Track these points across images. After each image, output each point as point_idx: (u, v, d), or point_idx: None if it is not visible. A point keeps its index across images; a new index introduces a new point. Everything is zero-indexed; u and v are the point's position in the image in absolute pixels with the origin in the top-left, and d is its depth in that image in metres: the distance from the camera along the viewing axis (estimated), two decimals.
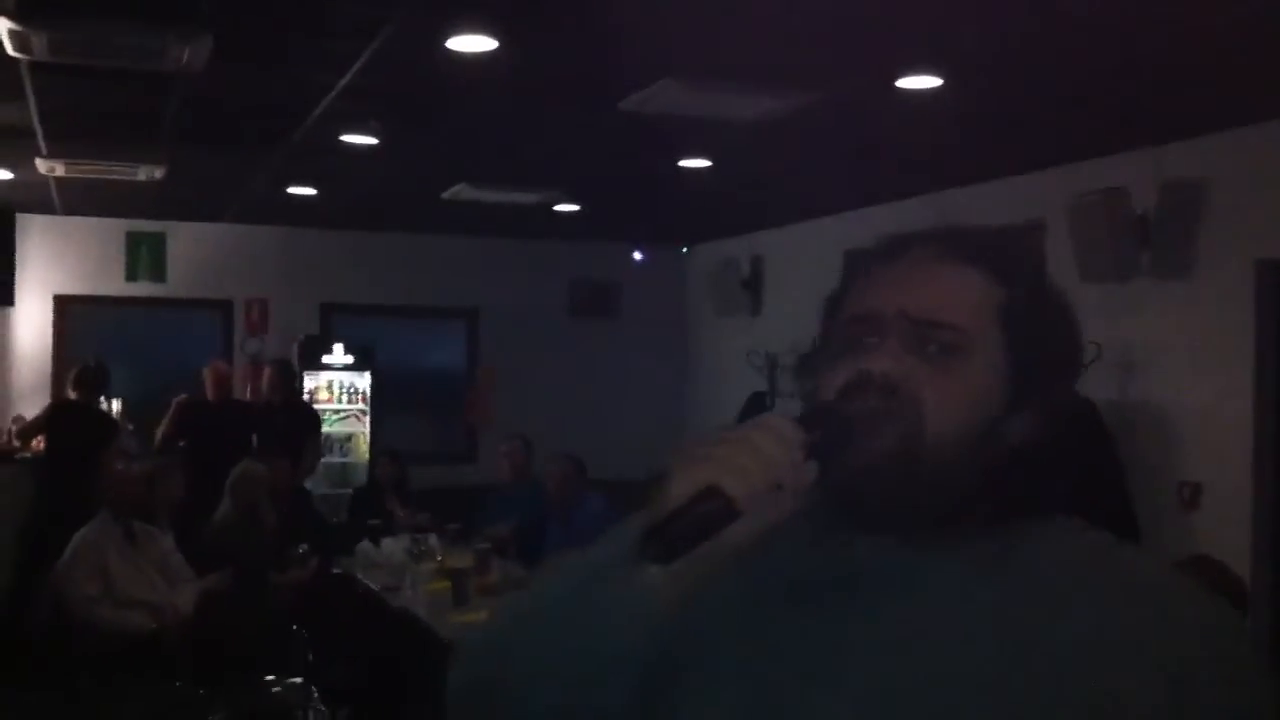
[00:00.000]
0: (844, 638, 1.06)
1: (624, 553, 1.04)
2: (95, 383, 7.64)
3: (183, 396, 7.88)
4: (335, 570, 6.06)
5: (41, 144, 6.38)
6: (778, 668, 1.07)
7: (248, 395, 8.94)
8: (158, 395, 8.21)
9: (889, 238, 1.19)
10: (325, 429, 8.88)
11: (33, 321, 8.89)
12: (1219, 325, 5.55)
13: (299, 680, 4.60)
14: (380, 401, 9.38)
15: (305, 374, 9.09)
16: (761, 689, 1.07)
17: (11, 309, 8.78)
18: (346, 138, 6.06)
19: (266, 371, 8.36)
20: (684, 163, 6.64)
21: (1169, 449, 5.71)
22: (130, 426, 8.15)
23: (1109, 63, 4.63)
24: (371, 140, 6.10)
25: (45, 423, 7.61)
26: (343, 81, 5.02)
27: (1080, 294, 5.58)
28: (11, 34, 4.28)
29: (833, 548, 1.10)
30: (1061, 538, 1.11)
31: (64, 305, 9.00)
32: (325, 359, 9.23)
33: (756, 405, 8.39)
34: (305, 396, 8.90)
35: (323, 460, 8.74)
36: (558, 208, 8.29)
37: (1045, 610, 1.03)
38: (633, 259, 10.20)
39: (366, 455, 9.15)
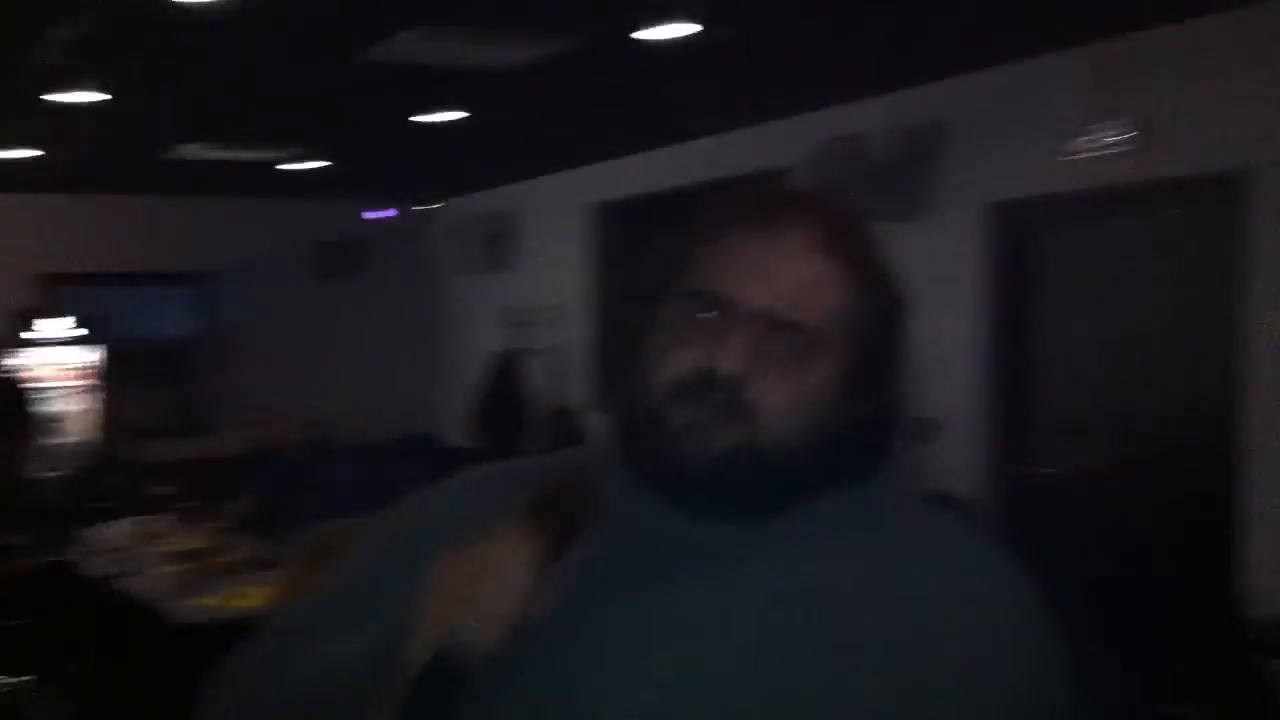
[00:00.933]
0: (656, 623, 1.01)
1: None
2: None
3: None
4: (58, 558, 5.62)
5: None
6: (584, 660, 1.00)
7: None
8: None
9: (743, 200, 1.10)
10: (50, 407, 8.25)
11: None
12: (953, 267, 5.74)
13: (27, 678, 4.25)
14: (111, 375, 8.79)
15: (25, 349, 8.43)
16: (565, 684, 1.00)
17: None
18: (68, 95, 5.55)
19: None
20: (430, 116, 6.42)
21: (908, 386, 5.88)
22: None
23: (846, 9, 4.68)
24: (97, 96, 5.60)
25: None
26: (62, 32, 4.59)
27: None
28: None
29: (644, 535, 1.05)
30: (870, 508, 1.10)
31: None
32: (47, 333, 8.58)
33: (510, 363, 8.28)
34: (23, 373, 8.26)
35: (46, 441, 8.11)
36: (301, 165, 7.92)
37: (871, 579, 1.04)
38: (380, 217, 9.88)
39: (95, 433, 8.57)
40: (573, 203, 8.27)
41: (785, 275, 1.03)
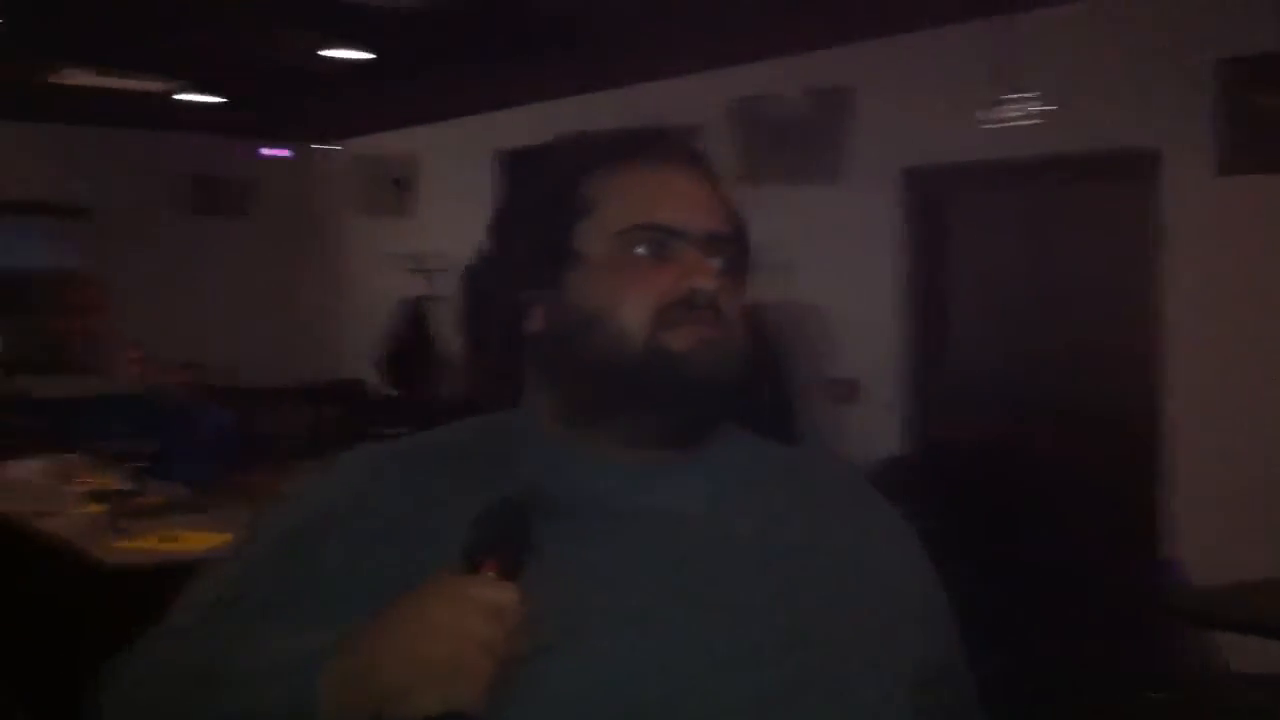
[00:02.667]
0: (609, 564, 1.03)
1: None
2: None
3: None
4: None
5: None
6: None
7: None
8: None
9: (619, 139, 1.14)
10: None
11: None
12: (868, 229, 5.78)
13: None
14: None
15: None
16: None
17: None
18: None
19: None
20: (329, 52, 6.21)
21: (821, 347, 5.94)
22: None
23: None
24: None
25: None
26: None
27: (739, 195, 5.73)
28: None
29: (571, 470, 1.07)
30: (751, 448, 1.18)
31: None
32: None
33: (417, 310, 8.13)
34: None
35: None
36: (182, 97, 7.60)
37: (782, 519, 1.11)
38: (268, 155, 9.56)
39: None
40: (477, 150, 8.12)
41: (706, 198, 1.11)
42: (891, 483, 3.40)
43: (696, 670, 0.99)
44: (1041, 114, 5.06)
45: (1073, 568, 4.89)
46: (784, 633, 1.02)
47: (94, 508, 4.67)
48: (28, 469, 5.75)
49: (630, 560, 1.03)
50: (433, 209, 8.58)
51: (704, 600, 1.02)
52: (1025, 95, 5.10)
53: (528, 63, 6.54)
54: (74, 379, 8.56)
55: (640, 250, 1.07)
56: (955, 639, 1.18)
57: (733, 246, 1.11)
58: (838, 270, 5.88)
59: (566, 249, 1.08)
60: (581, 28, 5.63)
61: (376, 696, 0.86)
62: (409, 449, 1.13)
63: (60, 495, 5.03)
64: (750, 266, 1.14)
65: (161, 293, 8.82)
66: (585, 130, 1.18)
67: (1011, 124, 5.13)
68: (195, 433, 5.75)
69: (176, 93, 7.45)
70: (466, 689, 0.85)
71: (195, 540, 4.07)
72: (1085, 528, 5.00)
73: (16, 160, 8.61)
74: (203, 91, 7.50)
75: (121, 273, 8.89)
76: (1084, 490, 5.06)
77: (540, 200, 1.13)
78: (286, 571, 1.04)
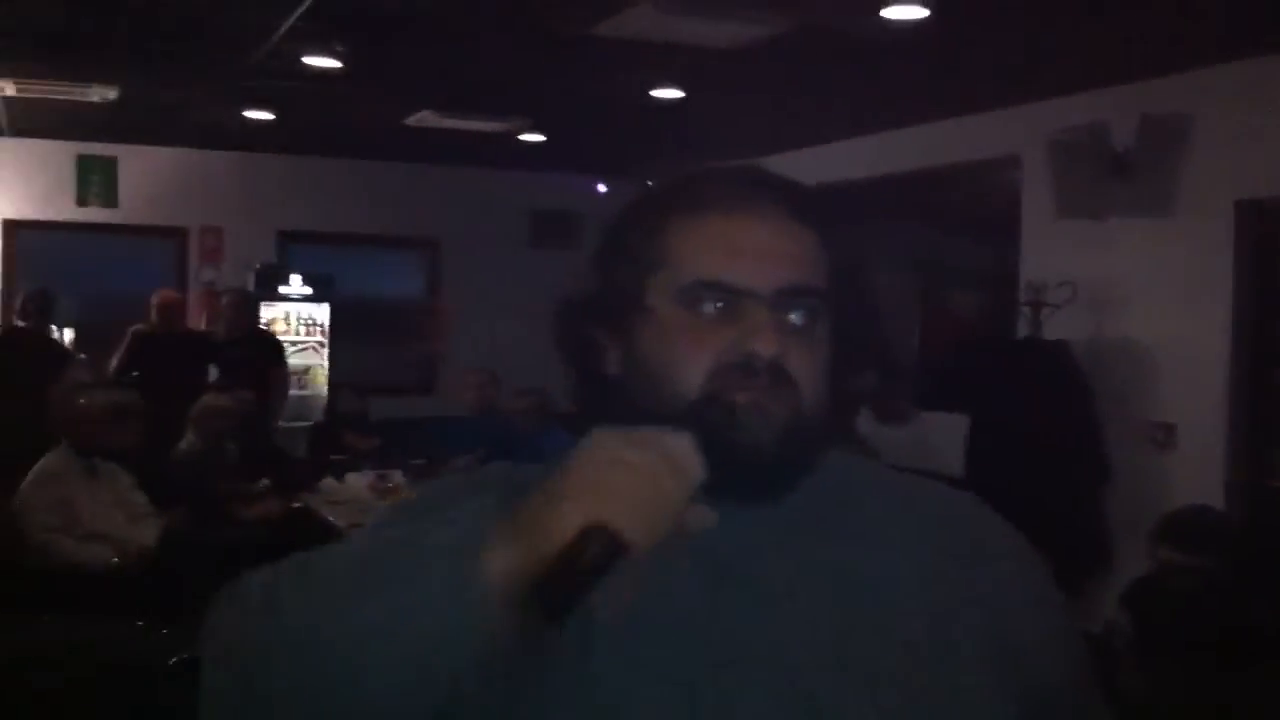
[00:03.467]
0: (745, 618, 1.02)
1: (465, 538, 0.90)
2: (42, 309, 7.39)
3: (138, 326, 7.68)
4: (296, 505, 5.93)
5: None
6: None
7: (203, 325, 8.74)
8: (110, 324, 8.00)
9: (705, 184, 1.10)
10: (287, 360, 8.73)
11: None
12: (1196, 265, 5.50)
13: None
14: (338, 333, 9.20)
15: (262, 304, 8.90)
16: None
17: None
18: (307, 60, 5.85)
19: (225, 301, 8.17)
20: (655, 92, 6.48)
21: (1144, 389, 5.69)
22: (83, 356, 7.93)
23: None
24: (332, 63, 5.89)
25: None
26: (304, 1, 4.83)
27: (1056, 230, 5.59)
28: None
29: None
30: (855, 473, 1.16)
31: (13, 230, 8.72)
32: (282, 289, 9.03)
33: None
34: (263, 327, 8.72)
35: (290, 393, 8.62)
36: (522, 137, 8.10)
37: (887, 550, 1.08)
38: (596, 190, 10.02)
39: (325, 388, 8.99)
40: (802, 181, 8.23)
41: (780, 249, 1.05)
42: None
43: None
44: None
45: None
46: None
47: None
48: (353, 482, 6.22)
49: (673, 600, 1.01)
50: None
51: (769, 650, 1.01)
52: None
53: (839, 97, 6.60)
54: (421, 401, 9.26)
55: (703, 308, 1.04)
56: (1079, 667, 1.14)
57: (814, 299, 1.05)
58: (1164, 308, 5.61)
59: (638, 300, 1.07)
60: (891, 66, 5.65)
61: (547, 531, 0.86)
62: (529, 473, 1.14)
63: (379, 509, 5.44)
64: (855, 316, 1.11)
65: (501, 320, 9.34)
66: (681, 175, 1.14)
67: None
68: (539, 453, 6.05)
69: (517, 133, 7.94)
70: (638, 522, 0.86)
71: None
72: None
73: (374, 196, 9.41)
74: (538, 131, 7.95)
75: (467, 301, 9.52)
76: None
77: (620, 247, 1.11)
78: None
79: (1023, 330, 6.06)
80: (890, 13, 4.72)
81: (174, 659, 3.73)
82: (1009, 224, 6.55)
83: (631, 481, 0.88)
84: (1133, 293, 5.74)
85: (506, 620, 0.87)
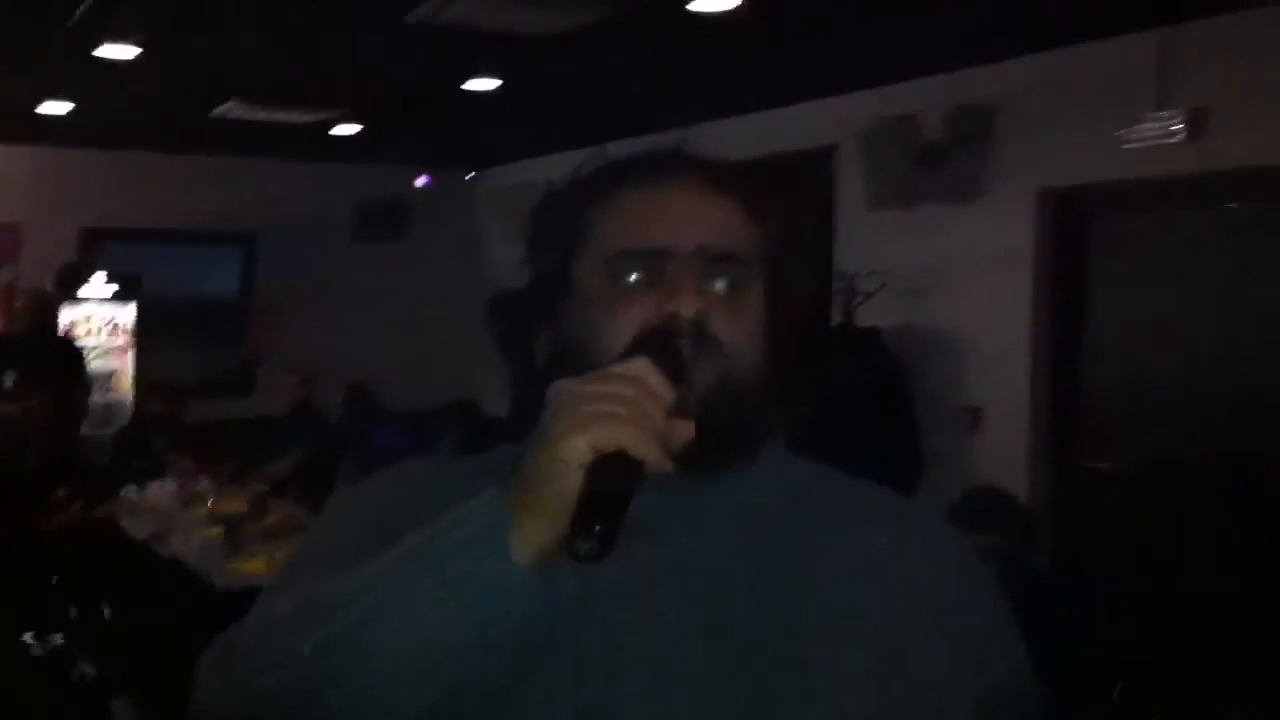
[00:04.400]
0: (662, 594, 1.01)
1: (478, 534, 0.89)
2: None
3: None
4: (97, 515, 5.66)
5: None
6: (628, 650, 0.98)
7: None
8: None
9: (620, 162, 1.12)
10: (92, 365, 8.36)
11: None
12: (1000, 252, 5.66)
13: (60, 637, 4.26)
14: (147, 334, 8.81)
15: (64, 305, 8.48)
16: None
17: None
18: (104, 50, 5.56)
19: (20, 303, 7.75)
20: (472, 84, 6.37)
21: (952, 374, 5.84)
22: None
23: None
24: (132, 52, 5.61)
25: None
26: None
27: (869, 220, 5.67)
28: None
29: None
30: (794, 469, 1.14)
31: None
32: (83, 290, 8.61)
33: None
34: (62, 330, 8.32)
35: (90, 399, 8.23)
36: (338, 129, 7.90)
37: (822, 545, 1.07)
38: (418, 183, 9.85)
39: (130, 392, 8.60)
40: None
41: (698, 214, 1.06)
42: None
43: (687, 700, 0.97)
44: (1181, 132, 4.88)
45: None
46: (795, 666, 0.99)
47: (211, 531, 4.86)
48: (158, 491, 5.99)
49: (634, 582, 1.00)
50: None
51: (706, 627, 1.00)
52: (1165, 113, 4.95)
53: (653, 88, 6.59)
54: (239, 401, 8.95)
55: (627, 276, 1.04)
56: (1020, 660, 1.14)
57: (739, 265, 1.05)
58: (971, 294, 5.77)
59: (564, 279, 1.07)
60: (708, 57, 5.67)
61: (558, 481, 0.86)
62: (443, 465, 1.16)
63: (184, 518, 5.24)
64: (786, 283, 1.10)
65: (320, 316, 9.11)
66: (595, 156, 1.14)
67: (1151, 143, 4.98)
68: (364, 453, 5.90)
69: (331, 123, 7.73)
70: (637, 440, 0.86)
71: None
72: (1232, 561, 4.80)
73: (184, 190, 9.04)
74: (355, 121, 7.76)
75: (283, 297, 9.23)
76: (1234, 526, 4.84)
77: (542, 231, 1.12)
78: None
79: (836, 319, 6.15)
80: (699, 5, 4.72)
81: None
82: (824, 214, 6.64)
83: (612, 407, 0.87)
84: (941, 280, 5.88)
85: (545, 594, 0.88)
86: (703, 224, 1.05)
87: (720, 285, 1.04)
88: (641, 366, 0.91)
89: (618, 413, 0.87)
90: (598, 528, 0.84)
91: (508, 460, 0.99)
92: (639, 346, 0.96)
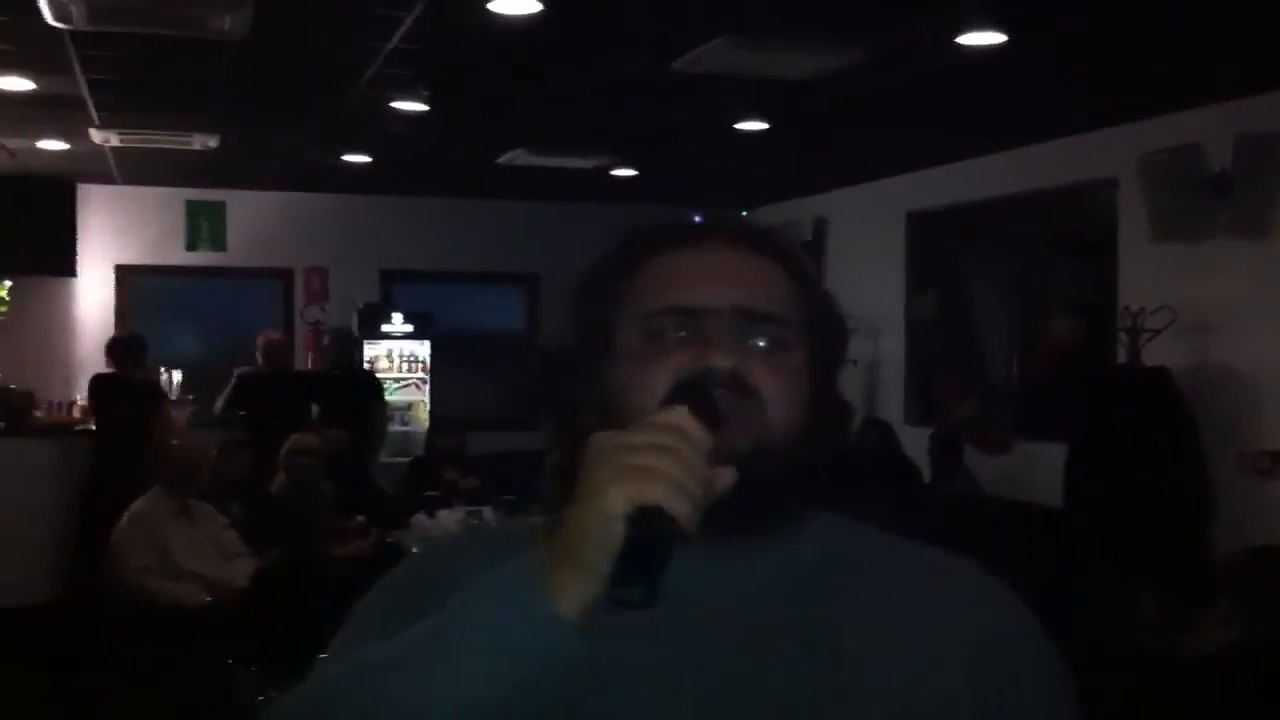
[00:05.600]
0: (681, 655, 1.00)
1: (511, 598, 0.90)
2: (130, 354, 7.59)
3: (243, 368, 7.88)
4: (388, 540, 6.01)
5: (94, 114, 6.37)
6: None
7: (309, 364, 8.95)
8: (219, 365, 8.24)
9: (661, 226, 1.14)
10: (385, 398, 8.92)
11: (94, 292, 8.96)
12: None
13: None
14: (439, 369, 9.34)
15: (365, 342, 9.09)
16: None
17: (74, 280, 8.84)
18: (396, 104, 5.98)
19: (326, 340, 8.34)
20: (740, 125, 6.47)
21: (1246, 415, 5.48)
22: (191, 397, 8.17)
23: (1180, 13, 4.41)
24: (421, 106, 6.02)
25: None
26: (388, 46, 4.94)
27: (1153, 253, 5.43)
28: (50, 2, 4.23)
29: None
30: (839, 532, 1.12)
31: (125, 275, 9.05)
32: (384, 327, 9.21)
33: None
34: (366, 365, 8.90)
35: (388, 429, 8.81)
36: (614, 172, 8.16)
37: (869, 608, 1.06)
38: (691, 221, 10.00)
39: (426, 424, 9.12)
40: (882, 212, 8.14)
41: (738, 274, 1.07)
42: None
43: None
44: None
45: None
46: None
47: None
48: (446, 518, 6.29)
49: (662, 648, 1.00)
50: (842, 271, 8.65)
51: (735, 690, 1.00)
52: None
53: (924, 125, 6.51)
54: (522, 436, 9.29)
55: (664, 335, 1.05)
56: None
57: (779, 325, 1.05)
58: (1266, 331, 5.41)
59: (605, 341, 1.08)
60: (979, 92, 5.57)
61: (597, 536, 0.87)
62: (484, 531, 1.18)
63: None
64: (829, 346, 1.10)
65: None
66: (638, 225, 1.17)
67: None
68: None
69: (608, 168, 8.00)
70: (675, 494, 0.87)
71: None
72: None
73: (471, 234, 9.55)
74: (629, 166, 8.00)
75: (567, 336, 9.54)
76: None
77: (588, 297, 1.13)
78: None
79: (1121, 357, 5.89)
80: (967, 39, 4.65)
81: (261, 696, 3.80)
82: (1106, 248, 6.39)
83: (649, 461, 0.88)
84: (1233, 317, 5.55)
85: (576, 653, 0.89)
86: (742, 284, 1.06)
87: (760, 343, 1.04)
88: (680, 415, 0.92)
89: (655, 466, 0.87)
90: (645, 574, 0.86)
91: (541, 527, 1.02)
92: (677, 396, 0.97)
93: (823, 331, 1.10)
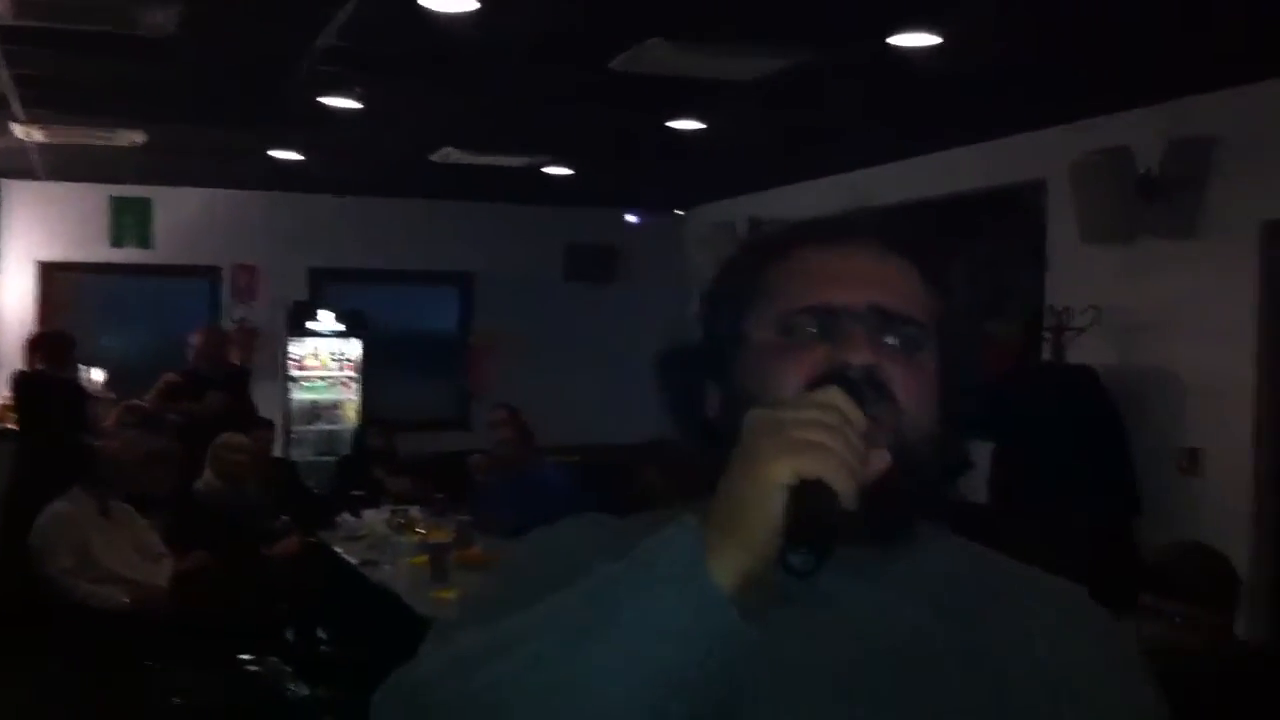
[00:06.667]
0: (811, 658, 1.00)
1: (676, 563, 0.88)
2: (54, 351, 7.41)
3: (170, 375, 7.70)
4: (310, 540, 5.93)
5: (18, 109, 6.23)
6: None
7: (237, 361, 8.82)
8: (144, 363, 8.09)
9: (801, 224, 1.14)
10: (314, 395, 8.95)
11: (16, 289, 8.76)
12: (1223, 287, 5.39)
13: (276, 658, 4.48)
14: (371, 368, 9.25)
15: (293, 340, 9.01)
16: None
17: None
18: (328, 100, 5.90)
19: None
20: (675, 124, 6.47)
21: (1171, 414, 5.58)
22: (113, 396, 8.01)
23: (1112, 17, 4.47)
24: (354, 103, 5.95)
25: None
26: (319, 42, 4.88)
27: (1082, 255, 5.49)
28: None
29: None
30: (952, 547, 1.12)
31: (48, 272, 8.85)
32: (312, 325, 9.10)
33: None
34: (294, 362, 8.84)
35: (311, 427, 8.77)
36: (549, 171, 8.13)
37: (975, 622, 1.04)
38: (627, 223, 10.02)
39: (355, 422, 9.02)
40: (816, 212, 8.17)
41: (876, 275, 1.07)
42: None
43: None
44: None
45: None
46: None
47: (419, 559, 5.02)
48: (371, 519, 6.22)
49: (796, 656, 1.00)
50: None
51: (879, 687, 0.99)
52: None
53: (858, 126, 6.54)
54: (455, 435, 9.25)
55: (799, 333, 1.05)
56: None
57: (914, 327, 1.05)
58: (1190, 331, 5.51)
59: (738, 337, 1.09)
60: (912, 94, 5.61)
61: (760, 508, 0.87)
62: (618, 521, 1.15)
63: (394, 545, 5.43)
64: (960, 353, 1.09)
65: (536, 354, 9.37)
66: (774, 221, 1.17)
67: None
68: (523, 483, 6.04)
69: (542, 166, 7.96)
70: (835, 469, 0.87)
71: None
72: None
73: (404, 233, 9.47)
74: (564, 165, 7.97)
75: (500, 335, 9.53)
76: None
77: (720, 292, 1.14)
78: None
79: (1046, 355, 5.96)
80: (900, 40, 4.68)
81: (176, 699, 3.74)
82: (1035, 249, 6.47)
83: (814, 435, 0.88)
84: (1161, 316, 5.64)
85: (742, 621, 0.87)
86: (880, 285, 1.07)
87: (894, 342, 1.05)
88: (836, 395, 0.92)
89: (821, 441, 0.88)
90: (809, 546, 0.87)
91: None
92: (827, 379, 0.97)
93: (963, 335, 1.10)
